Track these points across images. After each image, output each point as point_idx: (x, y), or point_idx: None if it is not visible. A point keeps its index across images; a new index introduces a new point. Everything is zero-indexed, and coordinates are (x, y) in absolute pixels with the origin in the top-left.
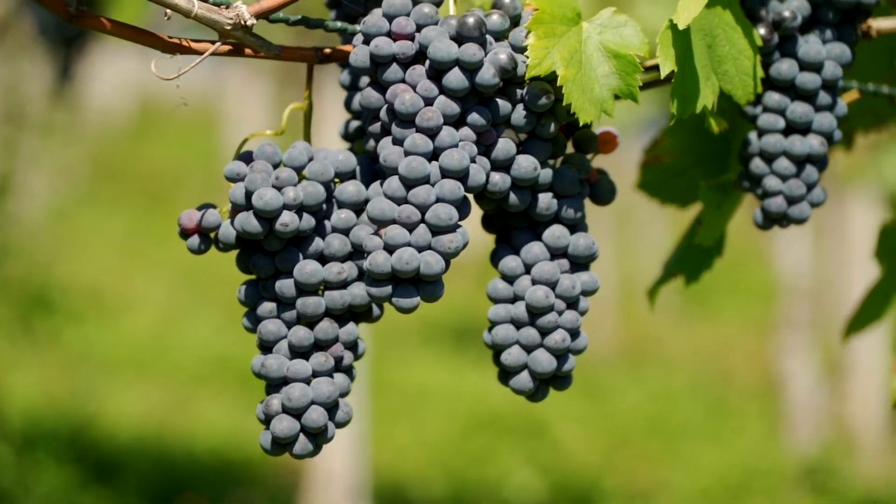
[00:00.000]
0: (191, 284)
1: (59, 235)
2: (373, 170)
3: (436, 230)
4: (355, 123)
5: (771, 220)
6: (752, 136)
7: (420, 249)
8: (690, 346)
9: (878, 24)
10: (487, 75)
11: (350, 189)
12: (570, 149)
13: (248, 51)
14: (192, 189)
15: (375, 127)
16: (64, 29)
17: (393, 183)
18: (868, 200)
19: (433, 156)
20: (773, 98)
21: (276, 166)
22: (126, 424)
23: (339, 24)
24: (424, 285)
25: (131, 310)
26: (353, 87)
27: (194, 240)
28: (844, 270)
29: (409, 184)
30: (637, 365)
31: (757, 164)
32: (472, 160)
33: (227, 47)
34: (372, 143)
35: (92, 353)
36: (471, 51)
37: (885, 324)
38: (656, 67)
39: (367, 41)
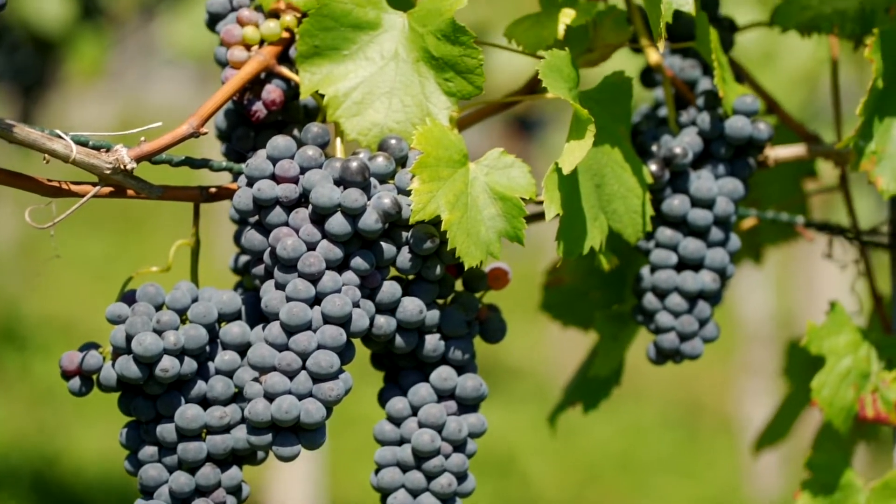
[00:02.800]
0: None
1: (30, 265)
2: (259, 308)
3: (317, 378)
4: (245, 258)
5: (664, 356)
6: (645, 270)
7: (301, 397)
8: (660, 379)
9: (777, 153)
10: (370, 221)
11: (234, 331)
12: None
13: (130, 192)
14: (169, 212)
15: (259, 269)
16: (22, 76)
17: (274, 329)
18: (835, 245)
19: (315, 301)
20: (666, 234)
21: (158, 308)
22: (93, 460)
23: (224, 164)
24: (305, 433)
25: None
26: (242, 222)
27: (75, 382)
28: (810, 315)
29: (290, 330)
30: (606, 399)
31: (650, 300)
32: (356, 304)
33: (108, 189)
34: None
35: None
36: (353, 196)
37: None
38: None
39: (250, 183)
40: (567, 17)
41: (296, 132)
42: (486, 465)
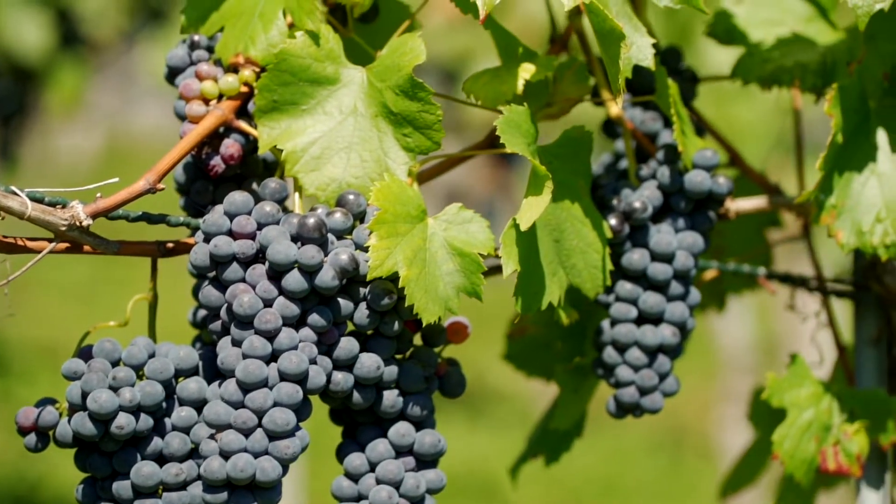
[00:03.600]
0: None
1: (13, 288)
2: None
3: (273, 435)
4: (204, 311)
5: (624, 410)
6: (605, 324)
7: (256, 455)
8: None
9: (738, 205)
10: (327, 277)
11: (191, 387)
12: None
13: (86, 248)
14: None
15: (216, 325)
16: (1, 106)
17: (230, 386)
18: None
19: (272, 358)
20: (626, 288)
21: (115, 364)
22: (74, 487)
23: (181, 219)
24: (262, 491)
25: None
26: (200, 276)
27: (31, 438)
28: (792, 342)
29: (246, 388)
30: (589, 424)
31: (609, 354)
32: (313, 361)
33: (64, 245)
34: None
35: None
36: (310, 253)
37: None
38: None
39: (207, 239)
40: (526, 72)
41: (255, 186)
42: (469, 490)
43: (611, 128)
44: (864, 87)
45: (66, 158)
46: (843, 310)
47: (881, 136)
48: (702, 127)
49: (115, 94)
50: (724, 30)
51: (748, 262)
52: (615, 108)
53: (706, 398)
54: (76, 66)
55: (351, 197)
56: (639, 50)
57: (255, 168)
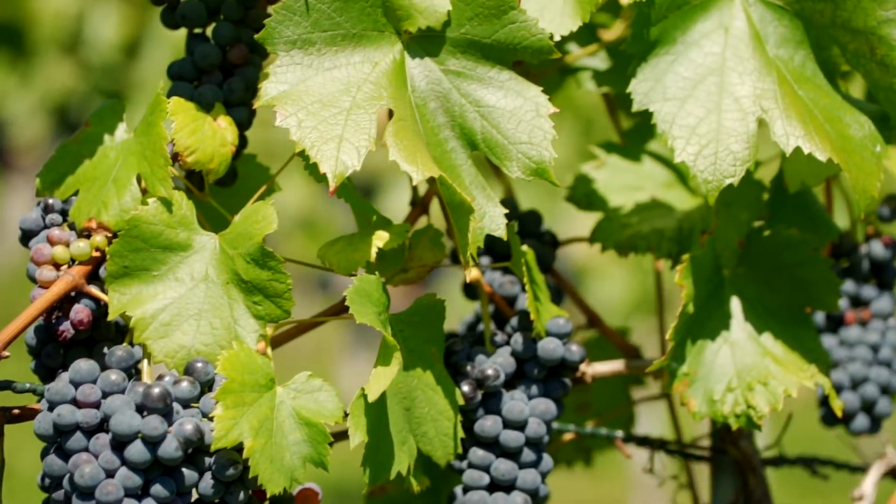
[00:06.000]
0: None
1: None
2: None
3: None
4: None
5: None
6: (458, 490)
7: None
8: None
9: (595, 368)
10: (170, 448)
11: None
12: None
13: None
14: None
15: (59, 494)
16: None
17: None
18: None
19: None
20: (478, 454)
21: None
22: None
23: (27, 385)
24: None
25: None
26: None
27: None
28: None
29: None
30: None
31: None
32: None
33: None
34: None
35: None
36: (153, 424)
37: None
38: None
39: (51, 408)
40: (380, 239)
41: (105, 350)
42: None
43: (471, 290)
44: (717, 256)
45: None
46: (702, 472)
47: (735, 305)
48: (561, 290)
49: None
50: (584, 195)
51: (612, 420)
52: (474, 271)
53: None
54: None
55: (199, 365)
56: (491, 220)
57: (106, 332)
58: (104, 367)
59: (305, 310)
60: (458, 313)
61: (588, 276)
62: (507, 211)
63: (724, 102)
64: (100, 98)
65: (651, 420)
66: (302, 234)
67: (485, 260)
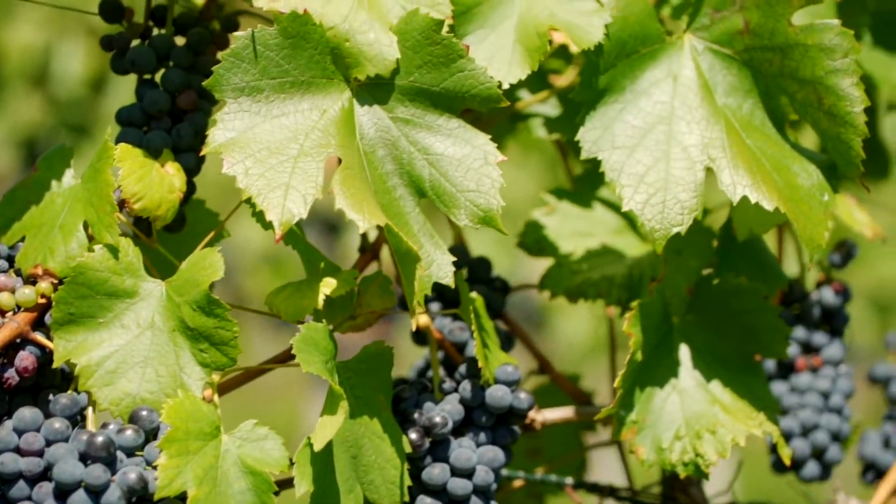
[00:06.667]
0: None
1: None
2: None
3: None
4: None
5: None
6: None
7: None
8: None
9: (545, 415)
10: (113, 498)
11: None
12: None
13: None
14: None
15: None
16: None
17: None
18: None
19: None
20: (425, 502)
21: None
22: None
23: None
24: None
25: None
26: None
27: None
28: None
29: None
30: None
31: None
32: None
33: None
34: None
35: None
36: (96, 473)
37: None
38: None
39: None
40: (328, 286)
41: (51, 397)
42: None
43: (421, 336)
44: (666, 303)
45: None
46: None
47: (684, 352)
48: (512, 336)
49: None
50: (535, 241)
51: (564, 467)
52: (422, 318)
53: None
54: None
55: (144, 413)
56: (439, 267)
57: (51, 379)
58: (49, 415)
59: (271, 347)
60: (413, 358)
61: (553, 313)
62: (455, 259)
63: (673, 151)
64: (67, 132)
65: (605, 466)
66: (268, 270)
67: (435, 306)
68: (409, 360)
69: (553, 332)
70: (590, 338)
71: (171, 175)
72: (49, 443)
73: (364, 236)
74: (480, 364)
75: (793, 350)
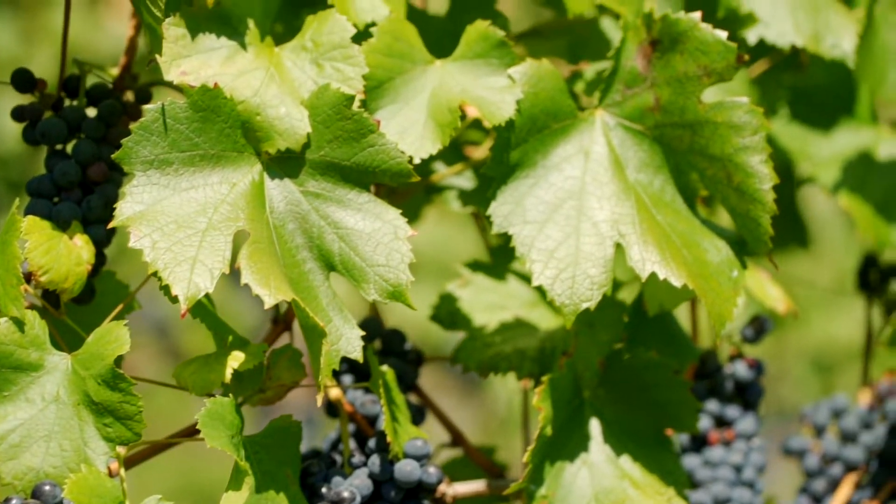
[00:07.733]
0: None
1: None
2: None
3: None
4: None
5: None
6: None
7: None
8: None
9: (456, 489)
10: None
11: None
12: None
13: None
14: None
15: None
16: None
17: None
18: None
19: None
20: None
21: None
22: None
23: None
24: None
25: None
26: None
27: None
28: None
29: None
30: None
31: None
32: None
33: None
34: None
35: None
36: None
37: None
38: None
39: None
40: (235, 360)
41: None
42: None
43: (333, 409)
44: (577, 377)
45: None
46: None
47: (594, 426)
48: (424, 410)
49: None
50: (448, 313)
51: None
52: (333, 391)
53: None
54: None
55: (47, 488)
56: (347, 342)
57: None
58: None
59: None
60: (332, 428)
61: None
62: (363, 333)
63: (583, 226)
64: (5, 189)
65: None
66: (205, 326)
67: (347, 379)
68: (330, 429)
69: (491, 391)
70: (514, 406)
71: (79, 247)
72: None
73: (277, 307)
74: (389, 438)
75: (706, 423)
